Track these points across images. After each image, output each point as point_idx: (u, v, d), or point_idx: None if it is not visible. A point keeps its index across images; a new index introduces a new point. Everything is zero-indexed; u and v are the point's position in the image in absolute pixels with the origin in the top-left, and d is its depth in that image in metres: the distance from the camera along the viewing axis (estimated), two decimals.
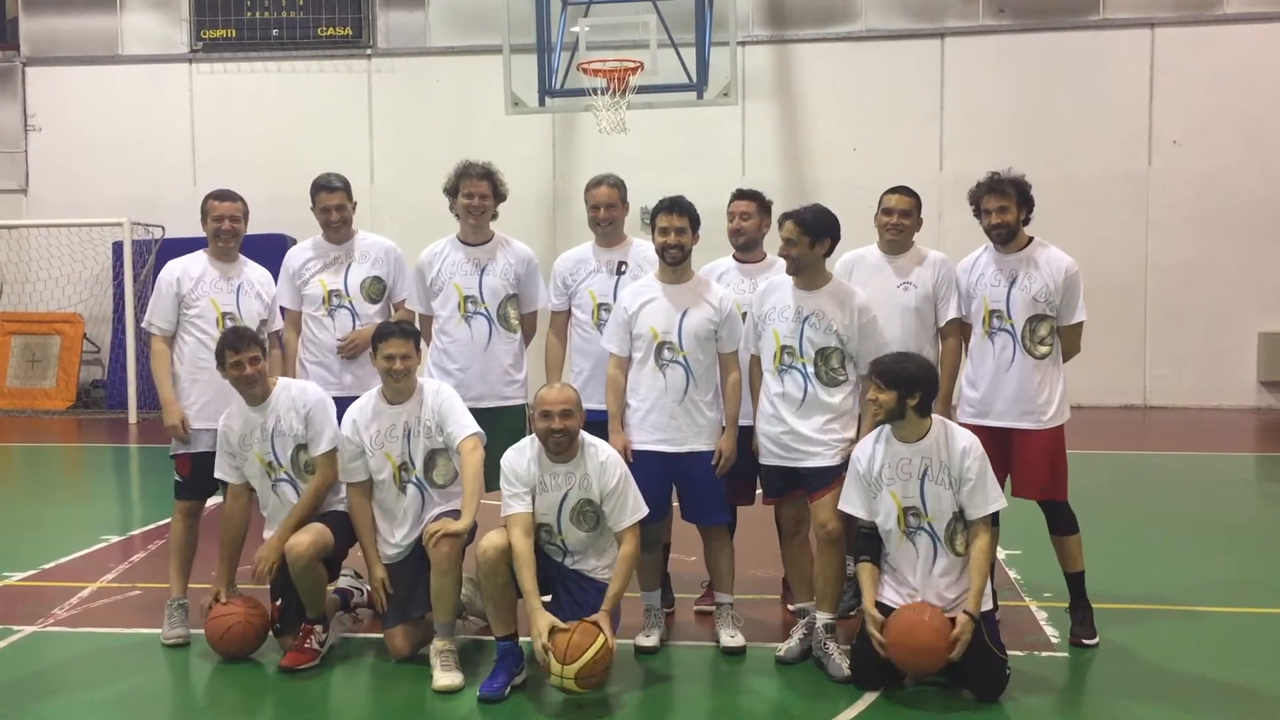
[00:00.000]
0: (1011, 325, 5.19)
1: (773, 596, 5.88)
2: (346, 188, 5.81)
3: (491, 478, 5.09)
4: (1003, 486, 5.01)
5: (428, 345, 5.81)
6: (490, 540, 4.68)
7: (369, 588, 5.31)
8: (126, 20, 15.38)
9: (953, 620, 4.48)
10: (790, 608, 5.47)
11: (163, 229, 14.49)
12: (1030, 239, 5.27)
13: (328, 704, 4.73)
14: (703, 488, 5.17)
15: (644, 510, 4.84)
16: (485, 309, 5.68)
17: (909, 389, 4.58)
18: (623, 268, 5.61)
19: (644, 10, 11.72)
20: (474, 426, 5.06)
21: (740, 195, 5.57)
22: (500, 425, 5.52)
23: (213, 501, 5.58)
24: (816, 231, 4.97)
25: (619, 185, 5.70)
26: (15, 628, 5.58)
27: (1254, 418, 13.36)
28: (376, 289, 5.83)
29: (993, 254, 5.30)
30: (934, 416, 4.71)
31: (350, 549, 5.24)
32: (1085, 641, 5.16)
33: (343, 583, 5.62)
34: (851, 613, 5.36)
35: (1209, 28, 13.72)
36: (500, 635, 4.72)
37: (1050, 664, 4.98)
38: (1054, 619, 5.47)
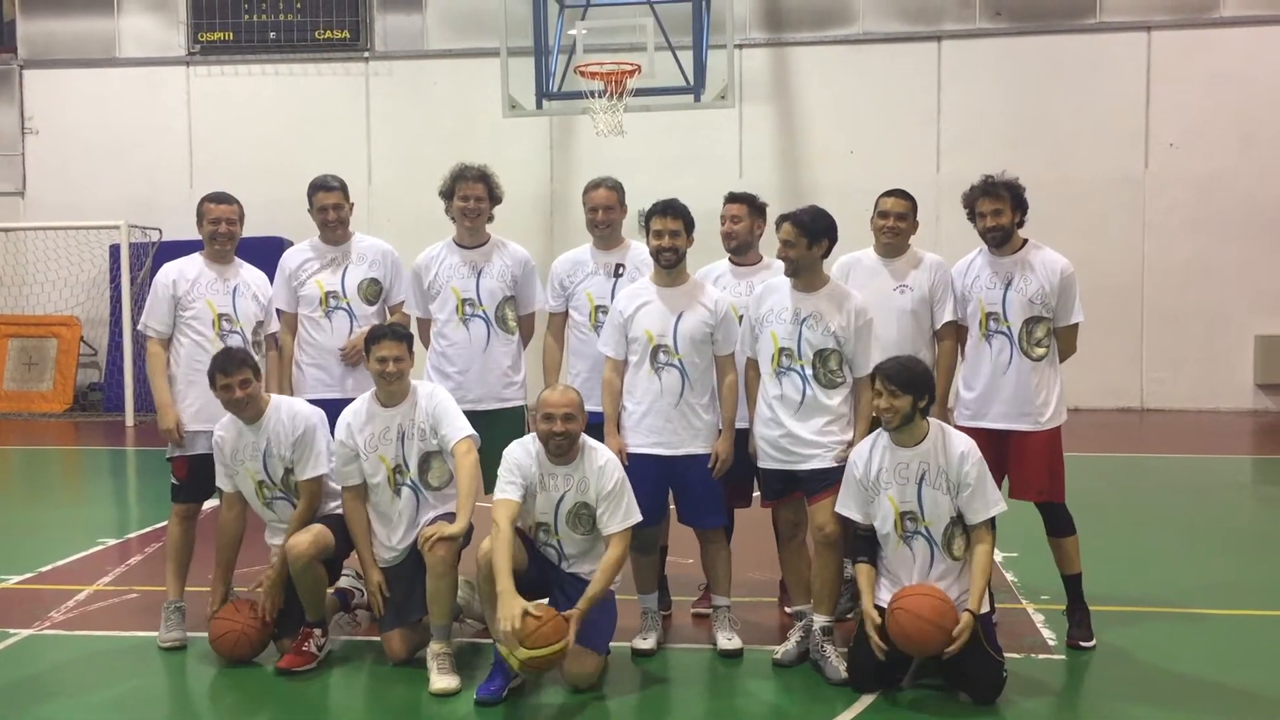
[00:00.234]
0: (1008, 327, 5.19)
1: (770, 599, 5.88)
2: (343, 188, 5.82)
3: (489, 478, 5.09)
4: (999, 488, 5.02)
5: (425, 349, 5.81)
6: (489, 543, 4.67)
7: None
8: (124, 23, 15.38)
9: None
10: (787, 610, 5.47)
11: (160, 231, 14.49)
12: (1025, 241, 5.28)
13: (324, 706, 4.72)
14: (699, 491, 5.17)
15: (636, 518, 4.85)
16: (483, 311, 5.68)
17: (920, 392, 4.60)
18: (620, 270, 5.62)
19: (641, 13, 11.73)
20: (468, 429, 5.06)
21: (731, 198, 5.58)
22: (499, 427, 5.53)
23: (209, 504, 5.57)
24: (814, 232, 4.97)
25: (617, 188, 5.70)
26: (12, 631, 5.58)
27: (1251, 420, 13.37)
28: (373, 291, 5.83)
29: (987, 257, 5.31)
30: (931, 420, 4.71)
31: (351, 551, 5.23)
32: (1082, 644, 5.16)
33: (343, 583, 5.62)
34: (849, 615, 5.36)
35: (1205, 30, 13.74)
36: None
37: (1047, 666, 4.98)
38: (1051, 621, 5.48)
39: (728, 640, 5.14)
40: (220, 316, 5.49)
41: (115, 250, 14.44)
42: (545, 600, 4.72)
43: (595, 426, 5.12)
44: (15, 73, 15.54)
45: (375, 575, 5.09)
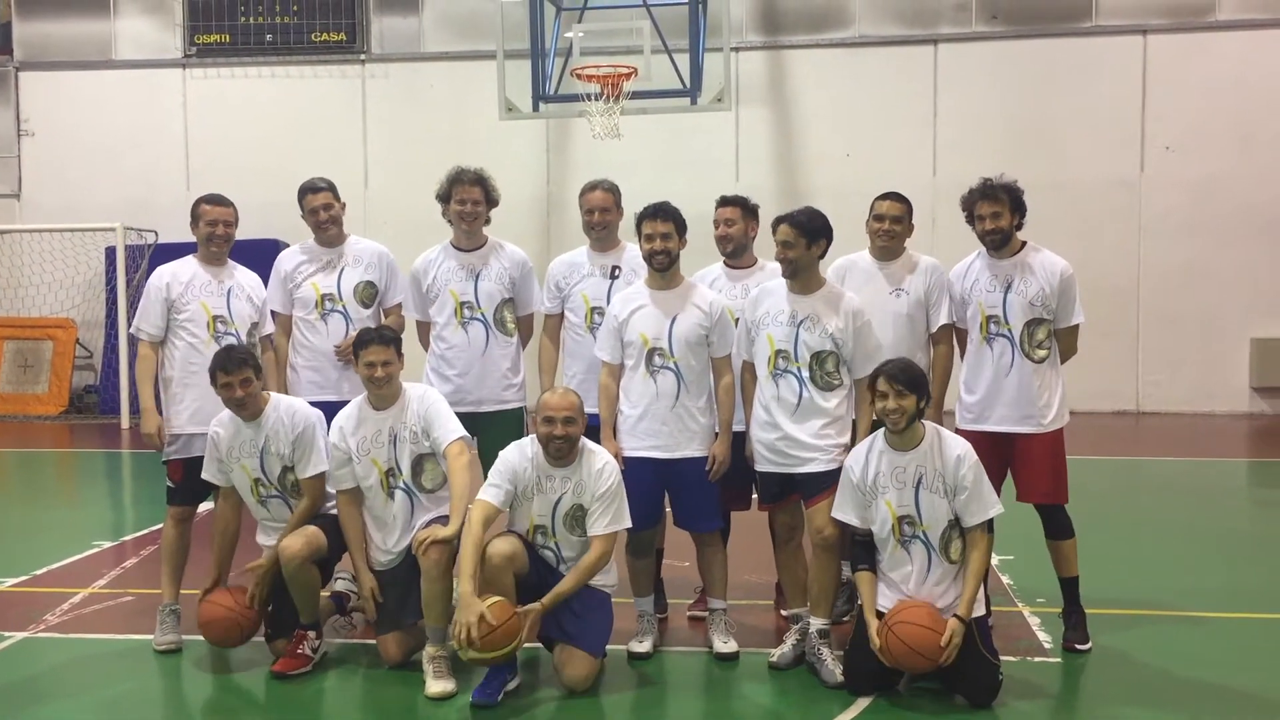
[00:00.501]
0: (1009, 330, 5.19)
1: (766, 602, 5.88)
2: (332, 188, 5.83)
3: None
4: (1000, 491, 5.02)
5: (425, 351, 5.81)
6: (495, 547, 4.67)
7: None
8: (120, 25, 15.36)
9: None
10: (784, 613, 5.46)
11: (156, 234, 14.46)
12: (1024, 243, 5.28)
13: (320, 710, 4.72)
14: (695, 494, 5.16)
15: (625, 523, 4.85)
16: (481, 314, 5.68)
17: (922, 393, 4.60)
18: (616, 272, 5.62)
19: (638, 16, 11.71)
20: (460, 431, 5.05)
21: (725, 202, 5.57)
22: (499, 428, 5.55)
23: (204, 507, 5.57)
24: (812, 232, 4.98)
25: (613, 190, 5.70)
26: (7, 634, 5.56)
27: (1246, 423, 13.38)
28: (369, 293, 5.83)
29: (986, 259, 5.31)
30: (926, 423, 4.71)
31: (344, 553, 5.22)
32: (1078, 646, 5.16)
33: (339, 586, 5.62)
34: (845, 618, 5.36)
35: (1201, 34, 13.76)
36: None
37: (1043, 669, 4.98)
38: (1047, 624, 5.48)
39: (724, 643, 5.14)
40: (215, 319, 5.48)
41: (111, 252, 14.42)
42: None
43: (592, 429, 5.12)
44: (11, 74, 15.52)
45: (368, 580, 5.08)
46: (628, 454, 5.10)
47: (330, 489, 5.17)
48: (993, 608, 4.96)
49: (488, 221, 5.80)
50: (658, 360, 5.11)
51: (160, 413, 5.45)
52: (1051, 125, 13.75)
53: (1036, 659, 5.09)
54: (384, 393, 5.05)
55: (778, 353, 5.00)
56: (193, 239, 5.63)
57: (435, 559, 4.75)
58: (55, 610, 5.95)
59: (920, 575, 4.62)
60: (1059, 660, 5.09)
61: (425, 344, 5.83)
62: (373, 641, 5.18)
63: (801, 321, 4.98)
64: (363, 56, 14.98)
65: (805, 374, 4.96)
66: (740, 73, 13.75)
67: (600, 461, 4.84)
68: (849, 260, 5.50)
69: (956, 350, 5.47)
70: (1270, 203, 13.50)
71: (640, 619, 5.26)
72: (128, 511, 9.44)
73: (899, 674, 4.67)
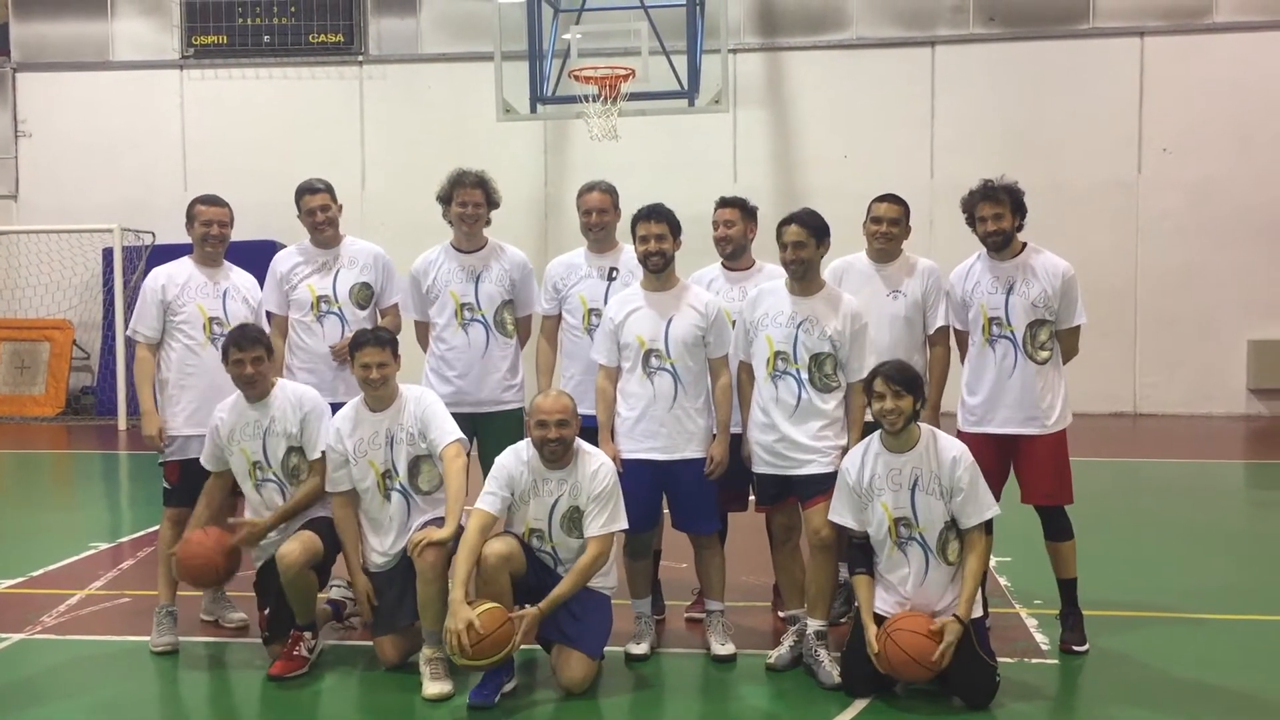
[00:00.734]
0: (1012, 332, 5.18)
1: (763, 604, 5.88)
2: (329, 189, 5.82)
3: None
4: (1000, 493, 5.03)
5: (424, 352, 5.80)
6: (490, 548, 4.67)
7: None
8: (117, 26, 15.35)
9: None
10: (781, 615, 5.46)
11: (153, 235, 14.45)
12: (1024, 245, 5.28)
13: (317, 712, 4.71)
14: (693, 496, 5.16)
15: (621, 524, 4.85)
16: (481, 316, 5.68)
17: (918, 394, 4.61)
18: (614, 273, 5.62)
19: (636, 18, 11.72)
20: (456, 433, 5.05)
21: (724, 203, 5.57)
22: (498, 429, 5.56)
23: None
24: (820, 231, 5.00)
25: (611, 191, 5.70)
26: (3, 635, 5.56)
27: (1243, 425, 13.39)
28: (365, 295, 5.82)
29: (987, 261, 5.30)
30: (922, 425, 4.71)
31: (339, 556, 5.21)
32: (1075, 648, 5.16)
33: (335, 594, 5.61)
34: (842, 620, 5.36)
35: (1198, 36, 13.77)
36: None
37: (1040, 671, 4.98)
38: (1044, 626, 5.48)
39: (721, 645, 5.14)
40: (211, 320, 5.48)
41: (108, 254, 14.42)
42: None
43: (589, 430, 5.12)
44: (8, 76, 15.51)
45: (363, 583, 5.08)
46: (626, 456, 5.09)
47: (327, 489, 5.16)
48: (990, 609, 4.95)
49: (488, 223, 5.80)
50: (654, 362, 5.11)
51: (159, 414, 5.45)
52: (1049, 127, 13.76)
53: (1034, 660, 5.08)
54: (380, 394, 5.05)
55: (777, 354, 4.99)
56: (190, 240, 5.63)
57: (431, 561, 4.75)
58: (52, 612, 5.94)
59: (918, 577, 4.62)
60: (1056, 662, 5.09)
61: (424, 345, 5.83)
62: (369, 643, 5.17)
63: (801, 323, 4.98)
64: (360, 58, 14.98)
65: (804, 376, 4.96)
66: (738, 74, 13.74)
67: (596, 463, 4.84)
68: (846, 262, 5.50)
69: (955, 352, 5.48)
70: (1267, 204, 13.51)
71: (638, 621, 5.25)
72: (124, 513, 9.43)
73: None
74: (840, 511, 4.75)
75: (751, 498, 5.36)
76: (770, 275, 5.42)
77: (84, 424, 14.40)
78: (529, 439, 4.88)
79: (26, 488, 10.65)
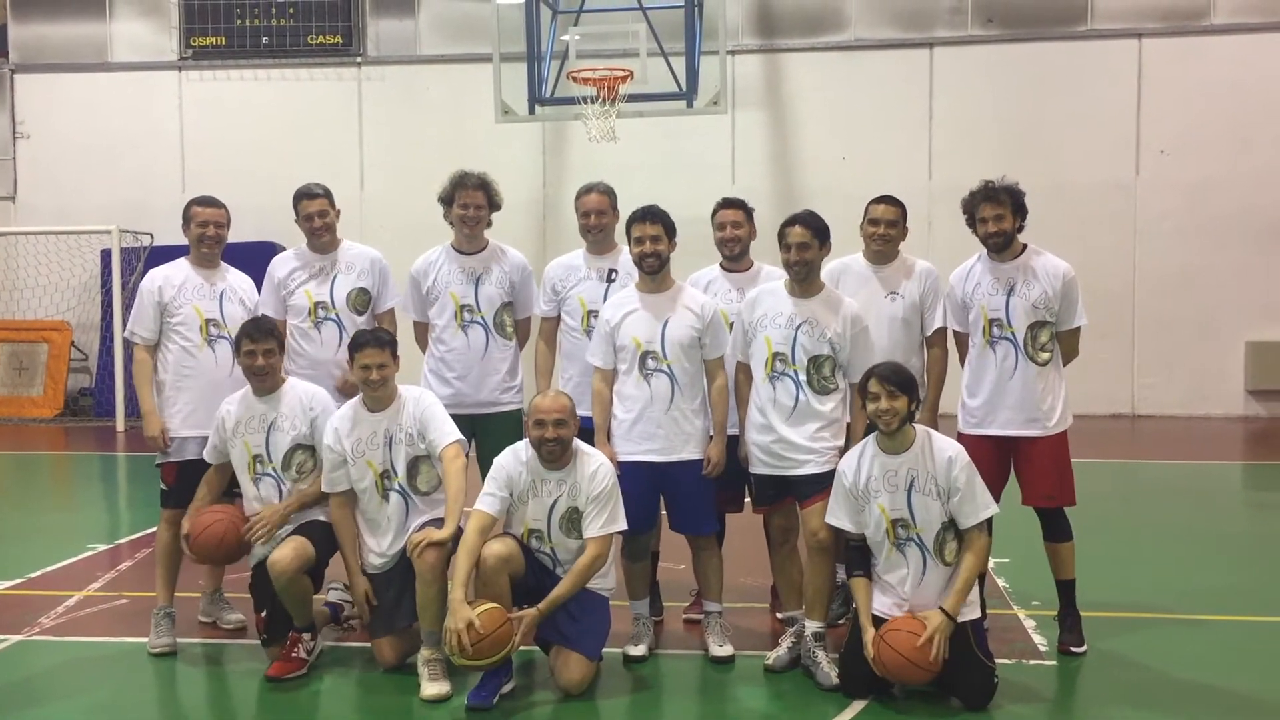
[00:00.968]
0: (1012, 333, 5.17)
1: (761, 605, 5.88)
2: (328, 195, 5.79)
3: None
4: (1000, 495, 5.03)
5: (424, 353, 5.80)
6: (490, 548, 4.67)
7: None
8: (116, 28, 15.36)
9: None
10: (779, 616, 5.46)
11: (151, 236, 14.46)
12: (1025, 246, 5.28)
13: (315, 713, 4.71)
14: (691, 497, 5.16)
15: (620, 525, 4.85)
16: (481, 318, 5.67)
17: (913, 394, 4.61)
18: (613, 275, 5.61)
19: (634, 19, 11.73)
20: (456, 434, 5.05)
21: (728, 204, 5.56)
22: (497, 429, 5.55)
23: None
24: (822, 233, 5.01)
25: (609, 193, 5.70)
26: (2, 636, 5.55)
27: (1241, 426, 13.40)
28: (362, 300, 5.79)
29: (987, 263, 5.29)
30: (917, 426, 4.72)
31: (331, 559, 5.20)
32: (1073, 649, 5.16)
33: (333, 596, 5.61)
34: (840, 621, 5.36)
35: (1196, 38, 13.78)
36: None
37: (1038, 672, 4.98)
38: (1042, 627, 5.48)
39: (719, 646, 5.14)
40: (208, 322, 5.47)
41: (106, 255, 14.42)
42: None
43: (586, 431, 5.12)
44: (7, 77, 15.50)
45: (361, 584, 5.08)
46: (623, 459, 5.09)
47: (325, 489, 5.16)
48: (988, 610, 4.95)
49: (489, 225, 5.80)
50: (651, 364, 5.11)
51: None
52: (1047, 129, 13.76)
53: (1032, 662, 5.09)
54: (379, 395, 5.05)
55: (775, 355, 5.00)
56: (188, 241, 5.62)
57: (431, 562, 4.75)
58: (50, 613, 5.94)
59: (916, 578, 4.62)
60: (1054, 663, 5.09)
61: (424, 346, 5.82)
62: (368, 644, 5.17)
63: (800, 325, 4.98)
64: (359, 59, 14.98)
65: (802, 377, 4.96)
66: (736, 76, 13.77)
67: (595, 464, 4.84)
68: (843, 263, 5.50)
69: (953, 354, 5.48)
70: (1265, 206, 13.53)
71: (636, 622, 5.25)
72: (122, 514, 9.43)
73: None
74: (837, 514, 4.75)
75: (748, 499, 5.37)
76: (769, 276, 5.42)
77: (82, 425, 14.40)
78: (528, 439, 4.88)
79: (24, 489, 10.64)
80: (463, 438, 5.10)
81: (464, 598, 4.54)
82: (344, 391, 5.51)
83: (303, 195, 5.78)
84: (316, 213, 5.73)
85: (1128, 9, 13.85)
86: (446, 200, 5.70)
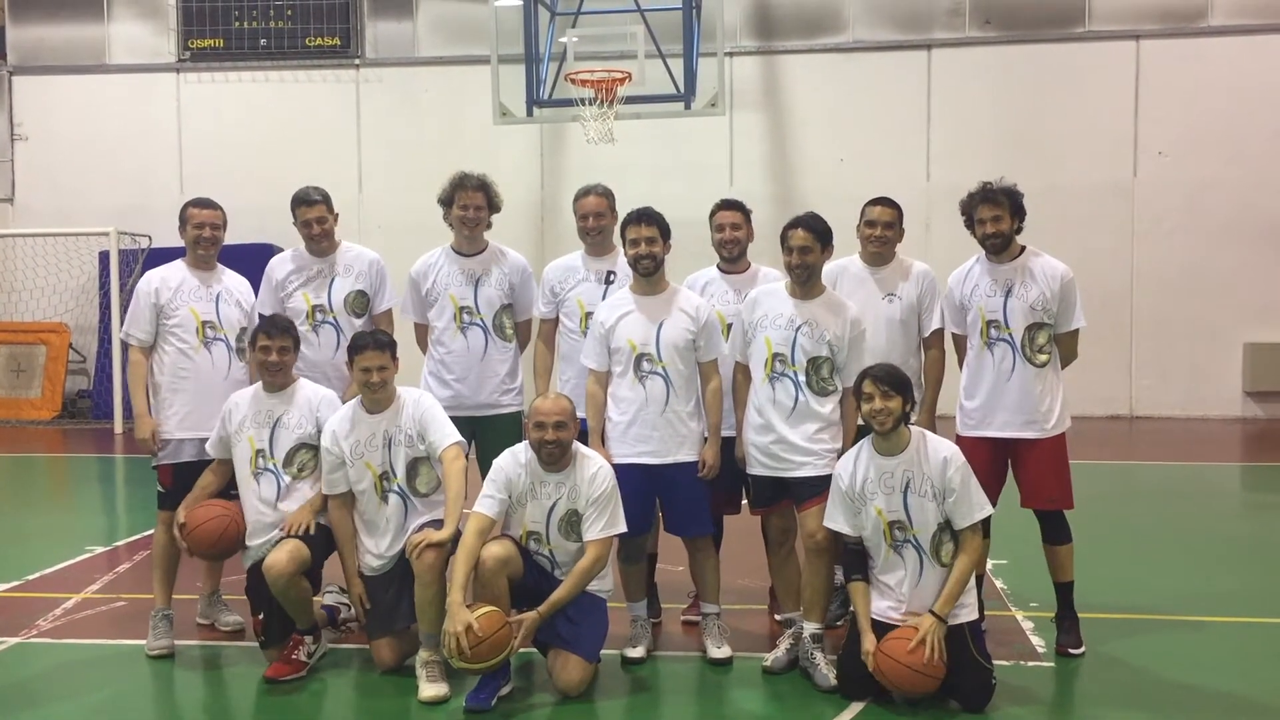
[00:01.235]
0: (1010, 335, 5.17)
1: (759, 606, 5.88)
2: (326, 200, 5.77)
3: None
4: (998, 496, 5.03)
5: (424, 354, 5.80)
6: (489, 550, 4.67)
7: None
8: (114, 29, 15.36)
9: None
10: (777, 618, 5.46)
11: (149, 238, 14.46)
12: (1023, 248, 5.27)
13: (313, 715, 4.71)
14: (686, 499, 5.16)
15: (620, 528, 4.84)
16: (481, 319, 5.67)
17: (907, 395, 4.61)
18: (611, 277, 5.61)
19: (632, 21, 11.74)
20: (455, 435, 5.05)
21: (726, 205, 5.56)
22: (497, 431, 5.54)
23: None
24: (825, 236, 5.02)
25: (607, 194, 5.70)
26: (0, 639, 5.57)
27: (1239, 427, 13.41)
28: (360, 303, 5.77)
29: (985, 264, 5.29)
30: (912, 427, 4.72)
31: (326, 560, 5.20)
32: (1071, 651, 5.16)
33: (329, 599, 5.60)
34: (839, 622, 5.36)
35: (1194, 40, 13.80)
36: None
37: (1036, 674, 4.98)
38: (1040, 629, 5.48)
39: (717, 648, 5.14)
40: (204, 324, 5.46)
41: (105, 257, 14.41)
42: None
43: (583, 434, 5.12)
44: (5, 79, 15.50)
45: (357, 585, 5.08)
46: (618, 461, 5.08)
47: (324, 491, 5.16)
48: (986, 612, 4.95)
49: (489, 226, 5.80)
50: (646, 366, 5.11)
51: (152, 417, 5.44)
52: (1045, 130, 13.77)
53: (1030, 663, 5.09)
54: (379, 397, 5.05)
55: (775, 356, 5.00)
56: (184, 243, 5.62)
57: (429, 563, 4.75)
58: (48, 615, 5.93)
59: (913, 579, 4.62)
60: (1052, 665, 5.09)
61: (424, 347, 5.82)
62: (366, 646, 5.17)
63: (800, 326, 4.98)
64: (357, 61, 14.98)
65: (801, 378, 4.96)
66: (734, 78, 13.78)
67: (594, 466, 4.84)
68: (840, 265, 5.49)
69: (951, 355, 5.48)
70: (1263, 207, 13.55)
71: (634, 624, 5.25)
72: (120, 516, 9.41)
73: None
74: (835, 517, 4.75)
75: (746, 501, 5.37)
76: (767, 278, 5.43)
77: (80, 427, 14.39)
78: (527, 441, 4.88)
79: (22, 491, 10.63)
80: (463, 439, 5.10)
81: (462, 600, 4.54)
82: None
83: (300, 201, 5.75)
84: (315, 219, 5.71)
85: (1126, 10, 13.87)
86: (446, 202, 5.69)
